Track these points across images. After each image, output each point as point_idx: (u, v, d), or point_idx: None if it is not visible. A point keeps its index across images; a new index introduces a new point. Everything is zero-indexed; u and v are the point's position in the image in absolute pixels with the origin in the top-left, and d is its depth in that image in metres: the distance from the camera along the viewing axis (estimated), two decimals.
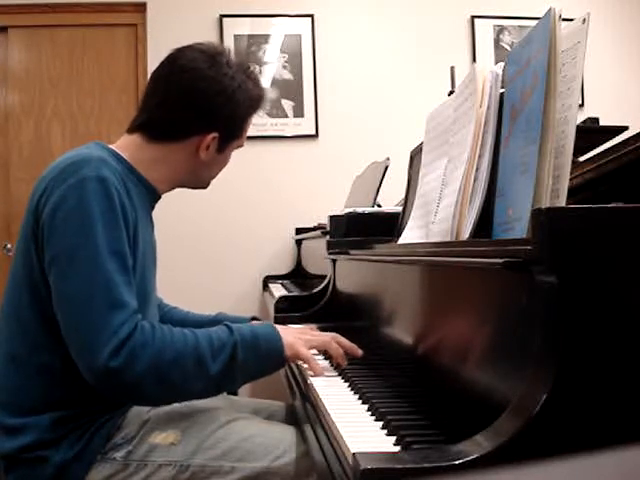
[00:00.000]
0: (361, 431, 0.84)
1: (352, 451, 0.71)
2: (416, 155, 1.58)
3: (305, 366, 1.23)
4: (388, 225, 1.69)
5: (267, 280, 3.28)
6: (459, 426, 0.75)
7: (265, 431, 1.23)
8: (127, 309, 1.07)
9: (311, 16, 3.49)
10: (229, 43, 3.37)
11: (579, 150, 1.06)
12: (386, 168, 2.28)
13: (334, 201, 2.91)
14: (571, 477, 0.33)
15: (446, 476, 0.60)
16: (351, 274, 1.71)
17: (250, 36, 3.46)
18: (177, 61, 1.28)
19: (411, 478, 0.60)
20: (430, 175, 1.28)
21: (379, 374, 1.15)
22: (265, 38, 3.47)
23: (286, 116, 3.46)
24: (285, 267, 3.40)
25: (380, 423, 0.86)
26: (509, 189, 0.92)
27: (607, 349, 0.64)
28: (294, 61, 3.48)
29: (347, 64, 3.52)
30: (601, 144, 1.19)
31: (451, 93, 1.64)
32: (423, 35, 3.55)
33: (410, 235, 1.34)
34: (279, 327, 1.22)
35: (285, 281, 3.15)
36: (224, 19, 3.42)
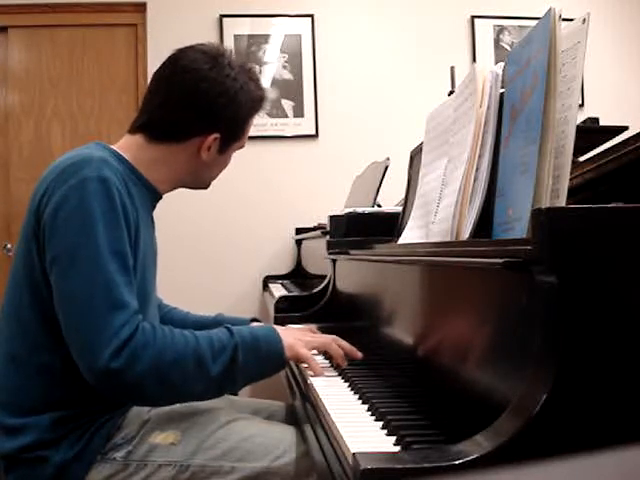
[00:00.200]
0: (361, 431, 0.84)
1: (352, 451, 0.71)
2: (416, 155, 1.58)
3: (305, 366, 1.23)
4: (388, 225, 1.69)
5: (267, 280, 3.29)
6: (459, 426, 0.75)
7: (265, 431, 1.23)
8: (128, 310, 1.07)
9: (311, 16, 3.49)
10: (229, 43, 3.37)
11: (579, 150, 1.06)
12: (386, 168, 2.28)
13: (334, 201, 2.91)
14: (571, 477, 0.33)
15: (446, 476, 0.60)
16: (351, 274, 1.71)
17: (250, 36, 3.46)
18: (179, 62, 1.28)
19: (411, 478, 0.60)
20: (430, 175, 1.28)
21: (379, 374, 1.15)
22: (265, 38, 3.47)
23: (286, 116, 3.46)
24: (285, 267, 3.40)
25: (380, 423, 0.86)
26: (509, 189, 0.92)
27: (607, 349, 0.64)
28: (294, 61, 3.48)
29: (347, 64, 3.52)
30: (601, 144, 1.19)
31: (451, 93, 1.64)
32: (423, 35, 3.55)
33: (410, 235, 1.34)
34: (279, 328, 1.22)
35: (285, 281, 3.15)
36: (224, 19, 3.42)
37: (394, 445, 0.77)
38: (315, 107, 3.47)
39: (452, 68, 2.78)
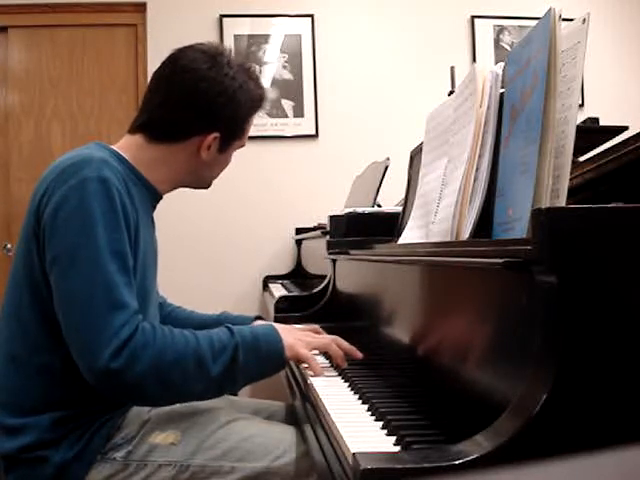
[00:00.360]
0: (361, 431, 0.84)
1: (352, 451, 0.71)
2: (416, 155, 1.58)
3: (305, 366, 1.23)
4: (388, 225, 1.69)
5: (267, 280, 3.29)
6: (459, 426, 0.75)
7: (265, 431, 1.23)
8: (128, 310, 1.07)
9: (311, 16, 3.49)
10: (229, 43, 3.37)
11: (579, 150, 1.06)
12: (386, 168, 2.28)
13: (334, 201, 2.91)
14: (571, 477, 0.33)
15: (446, 476, 0.60)
16: (351, 274, 1.71)
17: (250, 36, 3.46)
18: (178, 61, 1.28)
19: (411, 478, 0.60)
20: (430, 175, 1.28)
21: (379, 374, 1.15)
22: (265, 38, 3.47)
23: (286, 116, 3.46)
24: (285, 267, 3.40)
25: (380, 423, 0.86)
26: (509, 189, 0.92)
27: (607, 349, 0.64)
28: (294, 61, 3.48)
29: (347, 64, 3.52)
30: (601, 144, 1.19)
31: (451, 93, 1.64)
32: (423, 35, 3.55)
33: (410, 235, 1.34)
34: (280, 327, 1.22)
35: (285, 281, 3.15)
36: (224, 19, 3.43)
37: (394, 445, 0.77)
38: (315, 107, 3.47)
39: (452, 68, 2.78)
